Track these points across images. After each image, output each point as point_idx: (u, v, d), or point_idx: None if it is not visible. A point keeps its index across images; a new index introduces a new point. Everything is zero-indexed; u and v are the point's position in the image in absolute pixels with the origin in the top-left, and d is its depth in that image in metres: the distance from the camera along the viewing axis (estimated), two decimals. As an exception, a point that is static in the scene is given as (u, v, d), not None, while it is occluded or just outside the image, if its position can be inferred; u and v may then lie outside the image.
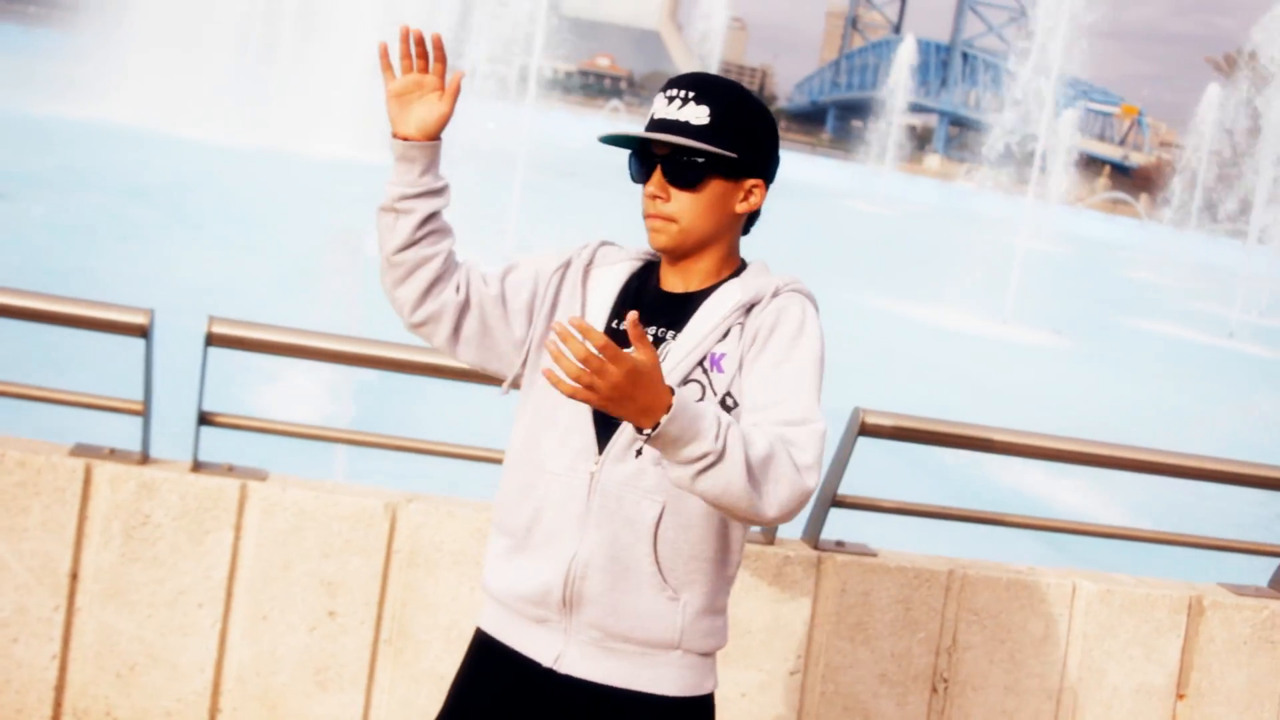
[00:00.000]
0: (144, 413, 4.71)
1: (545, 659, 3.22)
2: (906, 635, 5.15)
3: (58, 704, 4.67)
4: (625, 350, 2.69)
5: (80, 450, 4.72)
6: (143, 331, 4.59)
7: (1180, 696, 5.50)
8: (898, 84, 76.19)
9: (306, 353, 4.75)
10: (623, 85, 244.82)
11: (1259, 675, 5.60)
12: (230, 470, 4.77)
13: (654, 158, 3.17)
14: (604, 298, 3.27)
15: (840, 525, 5.22)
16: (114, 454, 4.73)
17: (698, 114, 3.12)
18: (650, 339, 3.05)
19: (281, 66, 39.80)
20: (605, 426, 3.15)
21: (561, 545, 3.18)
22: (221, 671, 4.73)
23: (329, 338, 4.76)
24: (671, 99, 3.15)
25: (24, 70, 43.25)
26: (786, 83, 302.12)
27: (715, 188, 3.17)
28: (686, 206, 3.16)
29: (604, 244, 3.40)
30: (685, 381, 3.13)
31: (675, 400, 2.73)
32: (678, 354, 3.15)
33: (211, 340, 4.61)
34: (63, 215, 19.37)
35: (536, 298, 3.31)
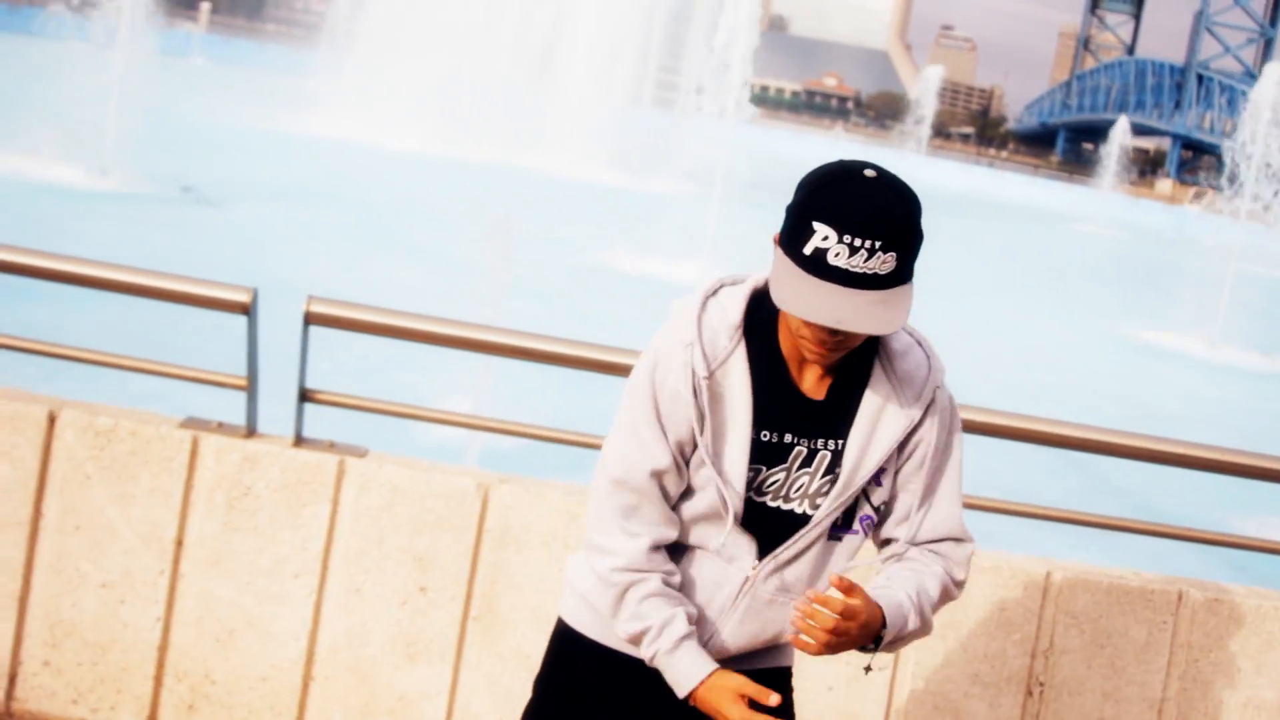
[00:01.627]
0: (249, 388, 4.88)
1: None
2: (1001, 636, 5.10)
3: (160, 664, 4.85)
4: (852, 602, 2.97)
5: (189, 423, 4.90)
6: (245, 309, 4.76)
7: (1293, 713, 5.37)
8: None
9: (399, 332, 4.87)
10: (849, 105, 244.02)
11: (1378, 695, 5.43)
12: (331, 446, 4.92)
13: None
14: (737, 413, 3.11)
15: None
16: (221, 427, 4.91)
17: (884, 263, 2.89)
18: (805, 451, 3.13)
19: (504, 83, 40.35)
20: (765, 534, 3.17)
21: (703, 622, 3.22)
22: (315, 641, 4.87)
23: (420, 318, 4.88)
24: (855, 249, 2.88)
25: (254, 85, 44.57)
26: (1016, 103, 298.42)
27: None
28: (855, 339, 3.04)
29: (703, 318, 3.15)
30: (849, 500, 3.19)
31: (888, 622, 3.09)
32: (848, 485, 3.15)
33: (310, 319, 4.75)
34: (260, 222, 19.92)
35: (690, 433, 3.13)
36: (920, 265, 3.00)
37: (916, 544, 3.29)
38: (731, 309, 3.14)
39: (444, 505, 4.84)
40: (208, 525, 4.82)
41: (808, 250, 2.90)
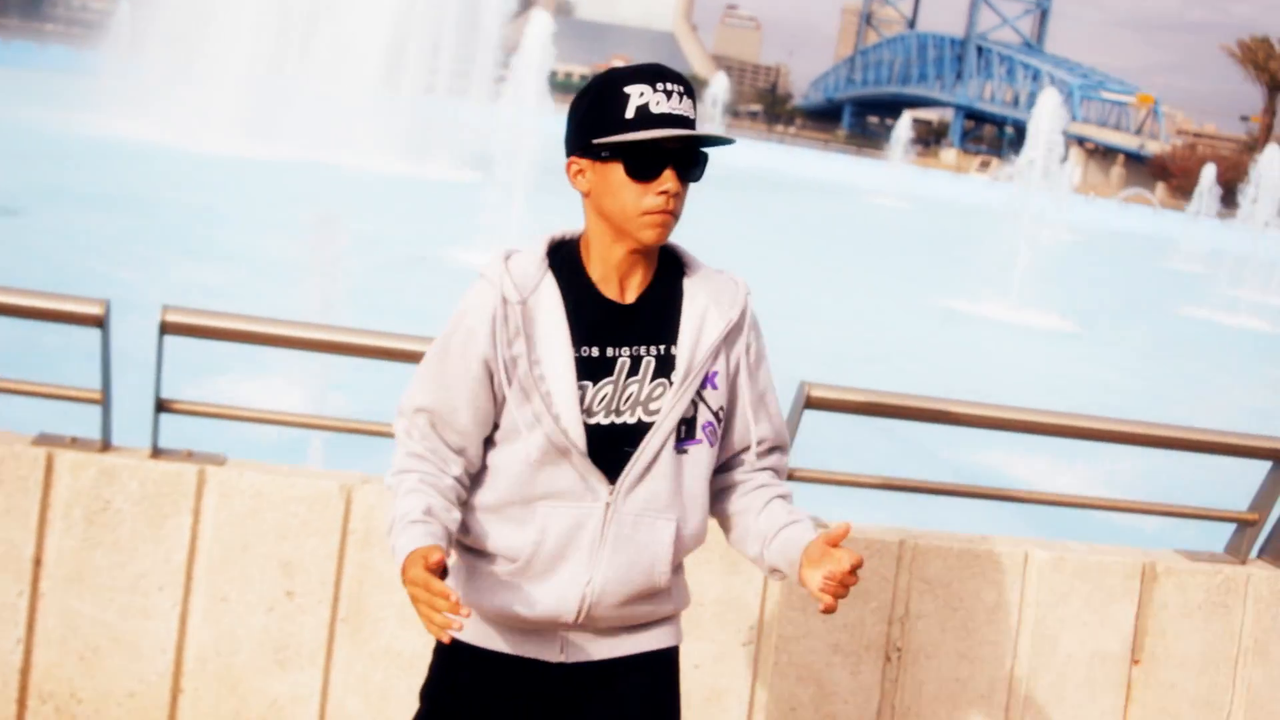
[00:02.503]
0: (103, 401, 4.83)
1: (549, 657, 3.33)
2: (859, 605, 5.24)
3: (23, 687, 4.78)
4: (838, 550, 3.12)
5: (42, 439, 4.83)
6: (99, 321, 4.70)
7: (1135, 662, 5.58)
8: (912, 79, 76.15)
9: (258, 338, 4.85)
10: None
11: (1213, 640, 5.67)
12: (189, 456, 4.88)
13: (667, 155, 3.13)
14: (554, 330, 3.18)
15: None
16: (75, 442, 4.85)
17: (689, 108, 3.14)
18: (628, 361, 3.21)
19: (293, 77, 39.87)
20: (608, 458, 3.22)
21: (573, 571, 3.25)
22: (183, 653, 4.84)
23: (280, 324, 4.86)
24: (669, 93, 3.10)
25: (36, 85, 43.46)
26: (802, 80, 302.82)
27: None
28: (684, 200, 3.19)
29: (508, 261, 3.24)
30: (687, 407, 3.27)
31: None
32: (682, 389, 3.24)
33: (166, 329, 4.71)
34: (65, 228, 19.50)
35: (494, 371, 3.19)
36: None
37: (748, 456, 3.44)
38: (535, 249, 3.27)
39: (307, 509, 4.84)
40: (66, 542, 4.76)
41: (630, 114, 3.08)
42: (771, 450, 3.48)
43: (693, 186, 3.19)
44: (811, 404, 5.04)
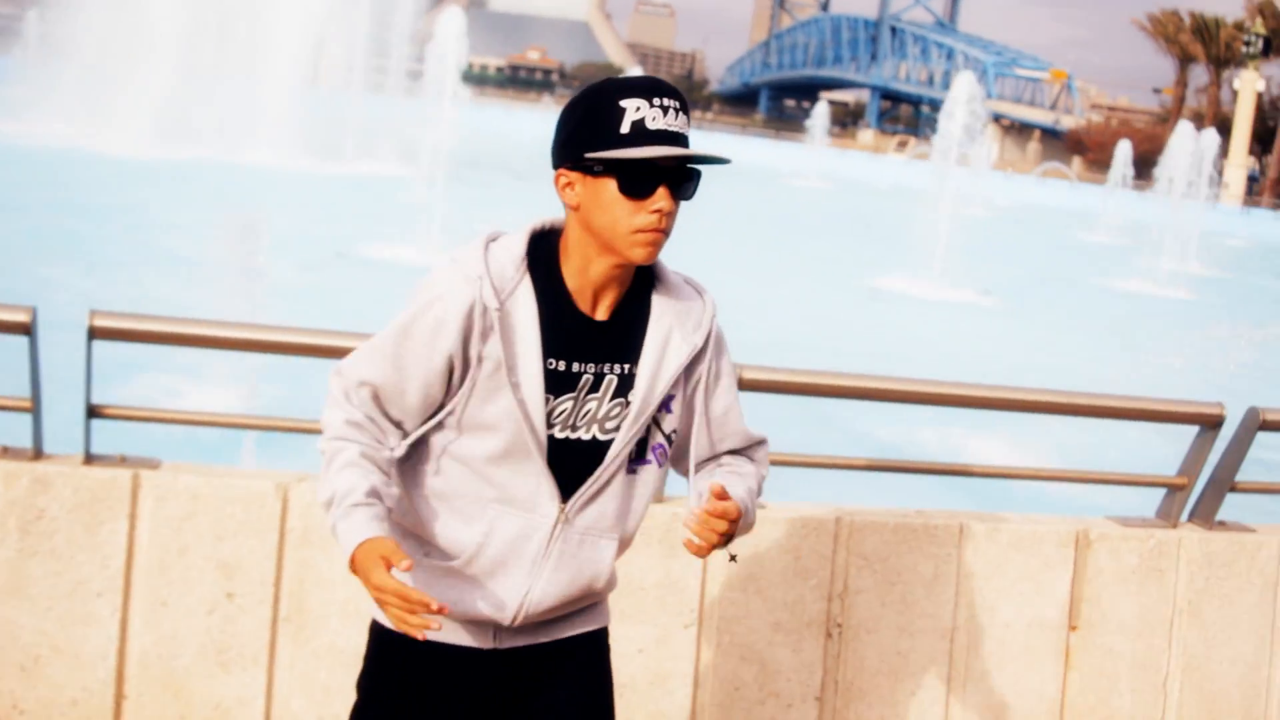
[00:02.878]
0: (33, 409, 4.79)
1: (481, 644, 3.33)
2: (798, 583, 5.27)
3: (-36, 700, 4.75)
4: (731, 504, 3.15)
5: (-28, 450, 4.79)
6: (26, 329, 4.66)
7: (1072, 628, 5.65)
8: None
9: (187, 340, 4.83)
10: (554, 77, 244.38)
11: (1149, 604, 5.75)
12: (123, 460, 4.85)
13: (658, 171, 3.09)
14: (527, 338, 3.15)
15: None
16: (7, 451, 4.81)
17: (685, 124, 3.09)
18: (591, 378, 3.20)
19: (208, 77, 39.59)
20: (562, 472, 3.21)
21: (513, 579, 3.25)
22: (124, 659, 4.82)
23: (207, 324, 4.84)
24: (665, 109, 3.06)
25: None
26: (718, 66, 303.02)
27: None
28: (674, 219, 3.15)
29: (489, 255, 3.19)
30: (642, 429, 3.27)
31: (744, 513, 3.23)
32: (641, 411, 3.24)
33: (94, 334, 4.68)
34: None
35: (455, 366, 3.16)
36: None
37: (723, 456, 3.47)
38: (515, 245, 3.20)
39: (244, 509, 4.82)
40: (2, 553, 4.72)
41: (625, 129, 3.03)
42: (745, 449, 3.52)
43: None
44: (743, 386, 5.06)
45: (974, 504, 6.21)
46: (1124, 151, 58.14)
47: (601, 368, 3.20)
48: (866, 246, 33.72)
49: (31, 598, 4.75)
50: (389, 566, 2.93)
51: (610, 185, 3.07)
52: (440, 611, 2.88)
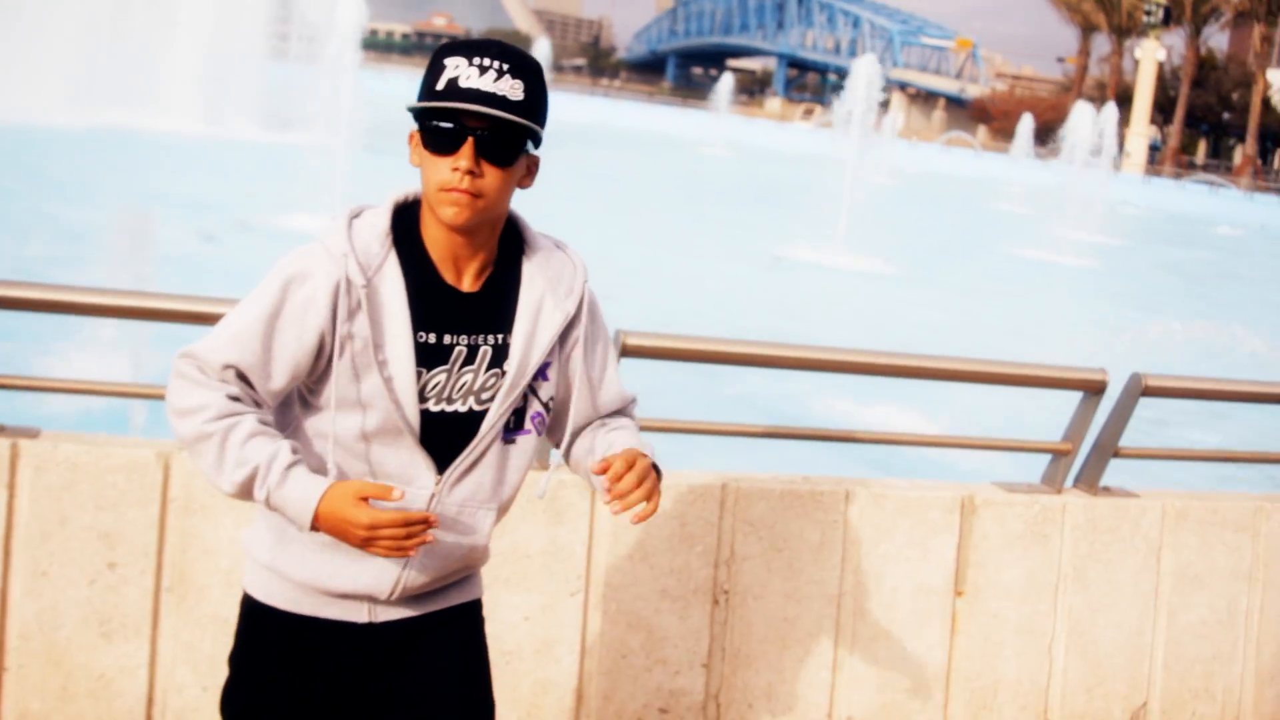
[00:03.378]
0: (-91, 378, 4.73)
1: (357, 619, 3.30)
2: (684, 550, 5.29)
3: None
4: (644, 460, 3.16)
5: None
6: (-101, 297, 4.60)
7: (959, 593, 5.70)
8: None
9: (66, 307, 4.77)
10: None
11: (1034, 568, 5.81)
12: (2, 430, 4.79)
13: (465, 130, 3.04)
14: (395, 313, 3.13)
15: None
16: (-119, 422, 4.74)
17: (514, 88, 3.02)
18: (464, 350, 3.18)
19: (110, 42, 39.08)
20: (436, 445, 3.20)
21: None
22: (4, 629, 4.76)
23: (88, 291, 4.79)
24: (484, 69, 3.01)
25: None
26: (625, 33, 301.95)
27: (519, 165, 3.14)
28: (494, 183, 3.07)
29: (353, 231, 3.16)
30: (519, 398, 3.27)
31: (648, 453, 3.25)
32: (517, 380, 3.23)
33: (-28, 301, 4.63)
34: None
35: (325, 344, 3.12)
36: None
37: (601, 420, 3.49)
38: (379, 219, 3.19)
39: (125, 478, 4.78)
40: (-123, 523, 4.66)
41: (440, 86, 3.03)
42: (618, 412, 3.53)
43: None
44: (628, 352, 5.07)
45: (864, 471, 6.26)
46: (1026, 125, 58.93)
47: (475, 339, 3.19)
48: (770, 215, 33.82)
49: (-92, 569, 4.68)
50: (366, 500, 3.02)
51: (422, 141, 3.10)
52: (432, 524, 3.03)
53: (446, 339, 3.17)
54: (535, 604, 5.12)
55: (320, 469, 3.19)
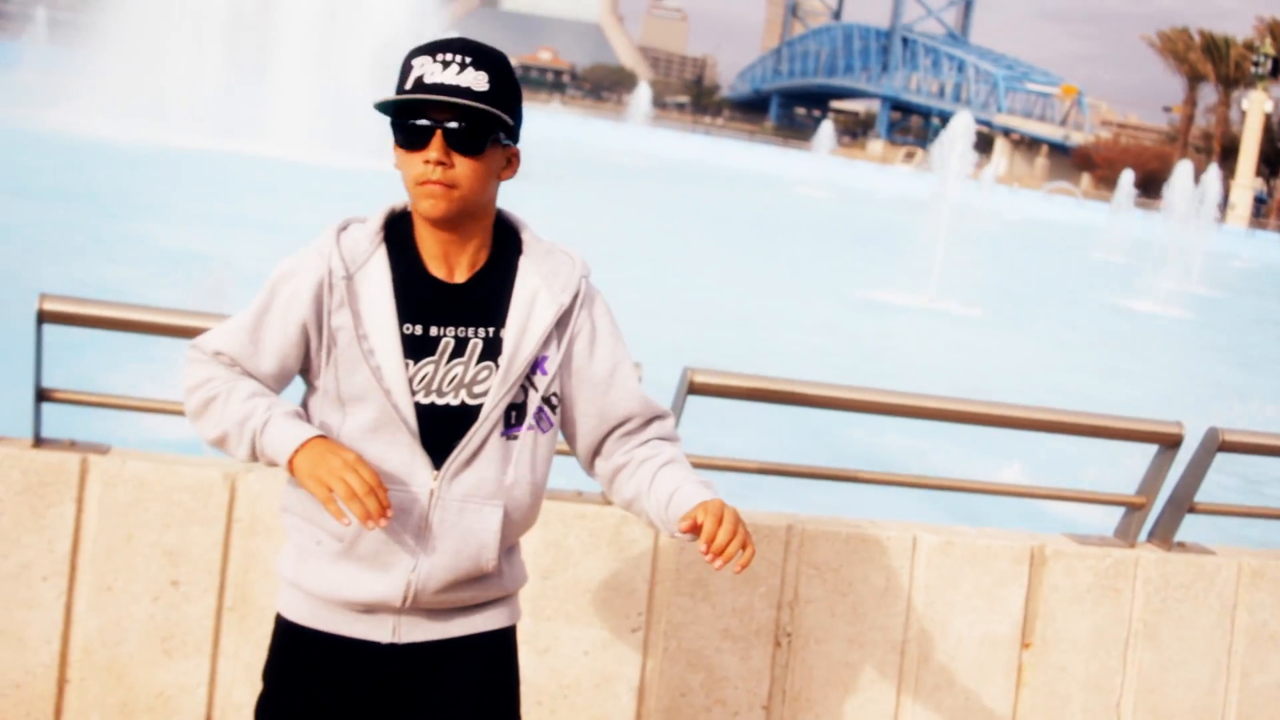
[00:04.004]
0: (-17, 391, 4.79)
1: (380, 638, 3.31)
2: (747, 590, 5.26)
3: (-95, 679, 4.74)
4: (729, 510, 3.19)
5: (-78, 430, 4.79)
6: (-23, 310, 4.66)
7: (1025, 645, 5.63)
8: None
9: (137, 326, 4.81)
10: (565, 78, 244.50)
11: (1103, 623, 5.73)
12: (72, 445, 4.85)
13: (432, 123, 3.11)
14: (380, 307, 3.19)
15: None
16: (-44, 433, 4.80)
17: (478, 80, 3.09)
18: (452, 341, 3.20)
19: (238, 70, 39.86)
20: (434, 441, 3.21)
21: (398, 557, 3.24)
22: (68, 643, 4.80)
23: (158, 311, 4.83)
24: (447, 64, 3.08)
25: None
26: (729, 71, 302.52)
27: (493, 155, 3.18)
28: (468, 173, 3.13)
29: (341, 233, 3.25)
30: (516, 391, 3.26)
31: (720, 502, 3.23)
32: (509, 372, 3.23)
33: (44, 317, 4.67)
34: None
35: (311, 338, 3.22)
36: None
37: (627, 435, 3.45)
38: (370, 222, 3.26)
39: (192, 497, 4.82)
40: (-52, 533, 4.72)
41: (408, 84, 3.11)
42: (648, 423, 3.47)
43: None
44: (695, 390, 5.06)
45: (931, 515, 6.20)
46: (1127, 181, 58.62)
47: (463, 331, 3.21)
48: (863, 257, 33.71)
49: (-24, 579, 4.74)
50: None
51: (395, 140, 3.18)
52: (385, 514, 3.02)
53: (433, 330, 3.20)
54: (595, 639, 5.11)
55: None
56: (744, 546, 3.16)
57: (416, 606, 3.29)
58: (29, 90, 38.25)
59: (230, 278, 9.51)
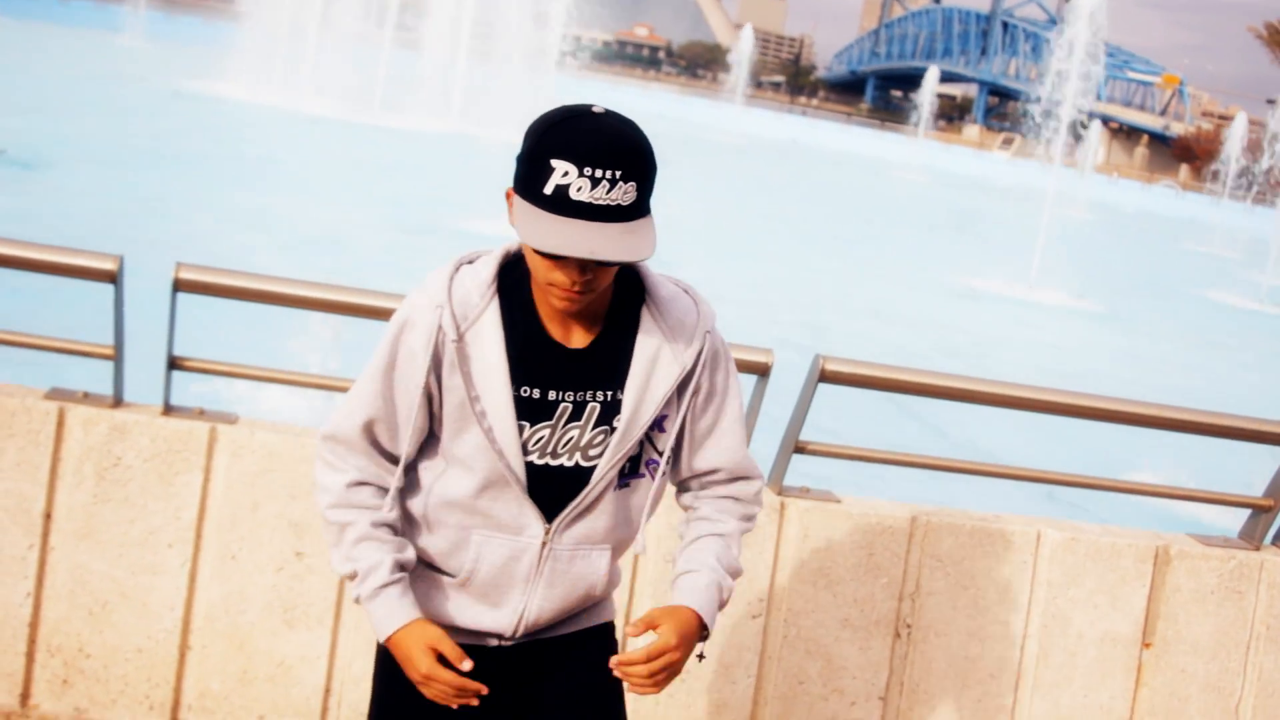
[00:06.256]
0: (115, 357, 4.81)
1: (489, 643, 3.30)
2: (869, 581, 5.21)
3: (32, 640, 4.78)
4: (654, 644, 3.08)
5: (54, 394, 4.82)
6: (112, 277, 4.68)
7: (1146, 645, 5.55)
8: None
9: (270, 297, 4.82)
10: (661, 55, 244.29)
11: (1225, 625, 5.64)
12: (201, 414, 4.87)
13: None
14: (492, 370, 3.07)
15: (804, 472, 5.30)
16: (87, 398, 4.83)
17: (626, 193, 2.86)
18: (570, 406, 3.11)
19: (400, 50, 40.97)
20: (546, 492, 3.15)
21: (509, 597, 3.22)
22: (191, 610, 4.83)
23: (290, 283, 4.84)
24: (597, 181, 2.84)
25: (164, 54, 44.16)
26: (826, 52, 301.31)
27: None
28: (605, 280, 3.00)
29: (454, 281, 3.11)
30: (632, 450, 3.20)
31: (705, 616, 3.22)
32: (626, 436, 3.14)
33: (179, 286, 4.69)
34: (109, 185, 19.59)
35: (432, 395, 3.12)
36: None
37: (709, 484, 3.36)
38: (484, 269, 3.10)
39: (318, 470, 4.82)
40: (77, 497, 4.75)
41: (548, 190, 2.85)
42: (732, 480, 3.38)
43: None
44: (826, 377, 5.02)
45: (1047, 511, 6.13)
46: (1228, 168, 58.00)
47: (581, 395, 3.11)
48: (964, 244, 33.48)
49: (103, 544, 4.77)
50: (435, 654, 3.09)
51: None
52: (482, 692, 3.10)
53: (551, 395, 3.09)
54: (717, 624, 5.06)
55: (436, 521, 3.20)
56: (653, 684, 3.11)
57: (526, 634, 3.29)
58: (205, 62, 39.50)
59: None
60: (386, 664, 3.28)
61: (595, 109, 2.92)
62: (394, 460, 3.18)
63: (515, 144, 3.05)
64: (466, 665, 3.05)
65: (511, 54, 41.08)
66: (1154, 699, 5.57)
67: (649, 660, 3.07)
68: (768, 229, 27.66)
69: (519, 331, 3.08)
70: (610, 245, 2.84)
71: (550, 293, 2.99)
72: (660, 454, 3.23)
